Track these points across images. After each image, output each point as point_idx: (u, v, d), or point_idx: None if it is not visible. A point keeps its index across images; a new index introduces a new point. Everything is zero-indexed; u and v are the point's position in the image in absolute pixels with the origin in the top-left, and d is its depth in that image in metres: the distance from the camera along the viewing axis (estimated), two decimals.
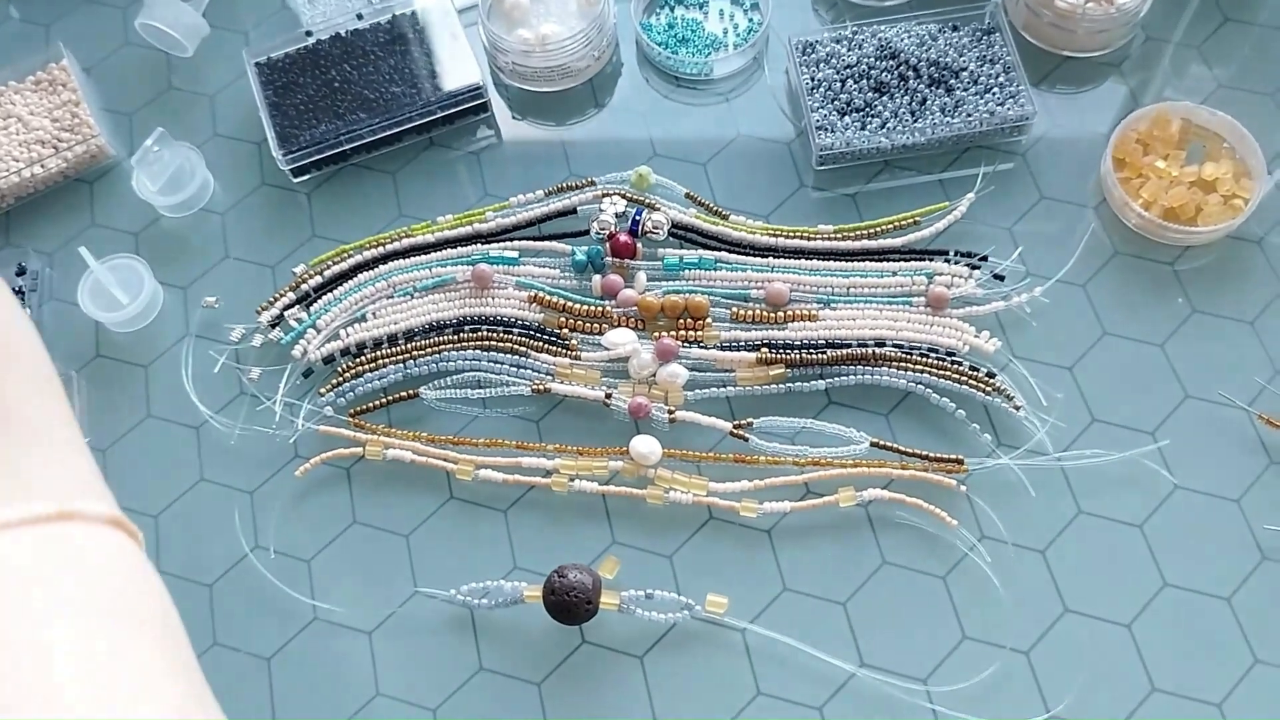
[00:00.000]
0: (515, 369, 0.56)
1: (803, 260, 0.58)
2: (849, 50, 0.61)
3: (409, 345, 0.57)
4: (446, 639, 0.52)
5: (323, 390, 0.57)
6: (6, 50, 0.68)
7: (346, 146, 0.61)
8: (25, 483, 0.26)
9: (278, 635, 0.53)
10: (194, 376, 0.58)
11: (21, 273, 0.60)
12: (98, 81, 0.66)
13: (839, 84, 0.60)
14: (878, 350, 0.55)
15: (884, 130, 0.59)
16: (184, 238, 0.62)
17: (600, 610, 0.50)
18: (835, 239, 0.58)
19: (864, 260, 0.58)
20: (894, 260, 0.58)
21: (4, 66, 0.65)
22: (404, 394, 0.56)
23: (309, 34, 0.63)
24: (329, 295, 0.59)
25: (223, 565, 0.54)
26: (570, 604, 0.49)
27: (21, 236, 0.63)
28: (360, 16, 0.63)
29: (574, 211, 0.60)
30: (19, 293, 0.60)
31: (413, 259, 0.59)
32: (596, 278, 0.58)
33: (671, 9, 0.65)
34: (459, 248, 0.59)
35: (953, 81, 0.60)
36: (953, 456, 0.53)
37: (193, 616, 0.53)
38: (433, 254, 0.59)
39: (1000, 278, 0.57)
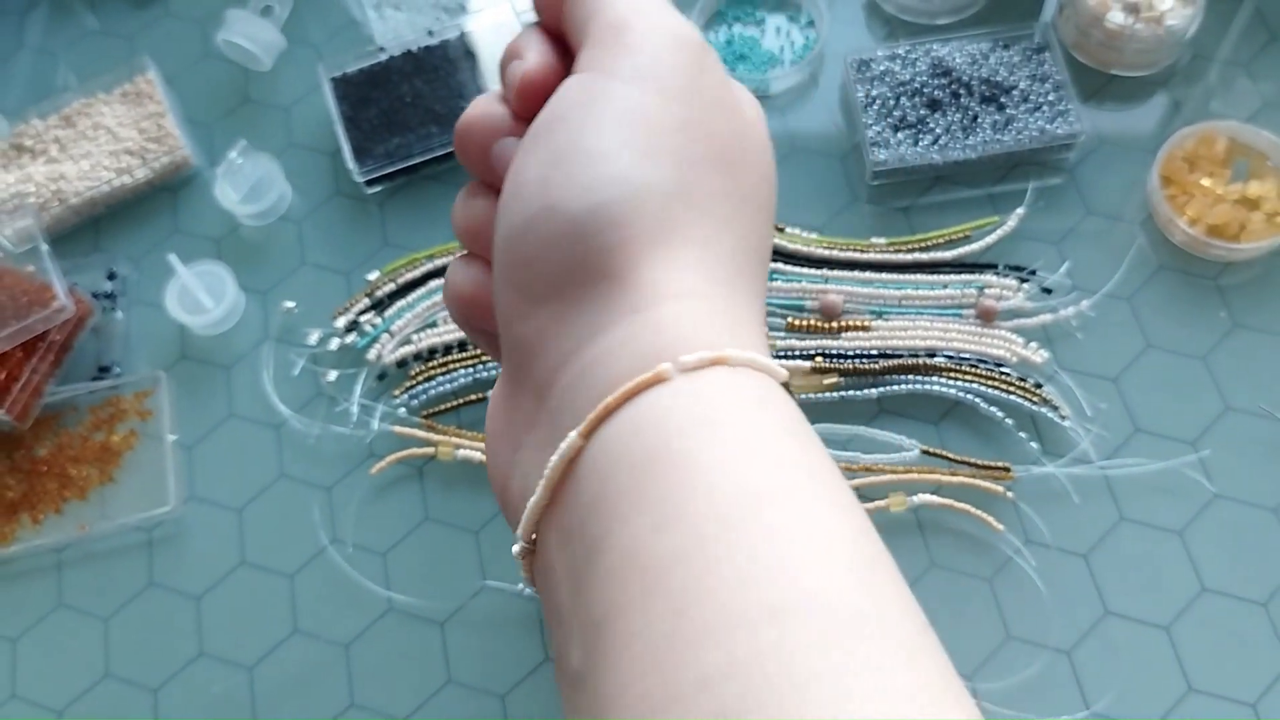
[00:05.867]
0: None
1: (856, 272, 0.60)
2: (903, 68, 0.63)
3: (479, 350, 0.60)
4: (513, 630, 0.55)
5: (396, 392, 0.60)
6: (93, 62, 0.71)
7: (418, 159, 0.64)
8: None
9: (355, 624, 0.56)
10: (274, 378, 0.61)
11: (112, 277, 0.64)
12: (179, 93, 0.70)
13: (893, 100, 0.63)
14: (928, 360, 0.57)
15: (936, 146, 0.61)
16: (262, 245, 0.65)
17: None
18: (888, 252, 0.61)
19: (916, 273, 0.60)
20: (945, 273, 0.60)
21: (92, 78, 0.68)
22: (475, 397, 0.59)
23: (381, 49, 0.66)
24: (401, 301, 0.62)
25: (303, 557, 0.58)
26: None
27: (110, 243, 0.66)
28: (431, 33, 0.66)
29: None
30: (109, 296, 0.63)
31: None
32: None
33: (730, 26, 0.67)
34: None
35: (1004, 99, 0.62)
36: (1000, 464, 0.55)
37: (275, 605, 0.56)
38: None
39: (1048, 291, 0.59)
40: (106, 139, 0.66)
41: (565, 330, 0.26)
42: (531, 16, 0.32)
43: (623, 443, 0.24)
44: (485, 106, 0.31)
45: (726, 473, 0.22)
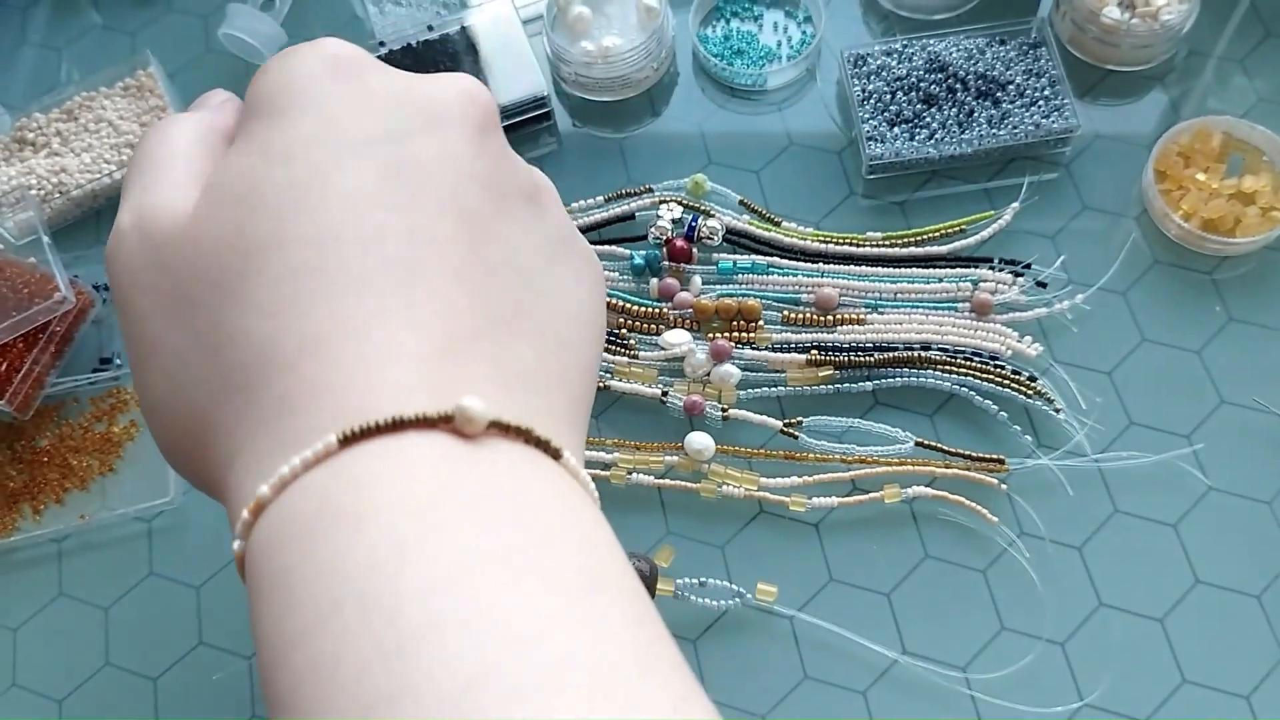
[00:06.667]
0: None
1: (852, 266, 0.60)
2: (899, 63, 0.63)
3: None
4: None
5: None
6: (95, 57, 0.71)
7: None
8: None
9: None
10: None
11: None
12: (180, 87, 0.70)
13: (889, 95, 0.63)
14: (923, 353, 0.58)
15: (932, 141, 0.61)
16: None
17: (657, 596, 0.53)
18: (883, 246, 0.61)
19: (911, 267, 0.60)
20: (940, 267, 0.60)
21: (95, 73, 0.69)
22: None
23: (381, 44, 0.67)
24: None
25: None
26: None
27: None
28: (431, 28, 0.66)
29: (632, 217, 0.63)
30: (107, 288, 0.64)
31: None
32: (654, 280, 0.61)
33: (727, 21, 0.68)
34: None
35: (1000, 94, 0.62)
36: (994, 456, 0.56)
37: None
38: None
39: (1043, 285, 0.59)
40: (108, 132, 0.67)
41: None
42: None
43: None
44: None
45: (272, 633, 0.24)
